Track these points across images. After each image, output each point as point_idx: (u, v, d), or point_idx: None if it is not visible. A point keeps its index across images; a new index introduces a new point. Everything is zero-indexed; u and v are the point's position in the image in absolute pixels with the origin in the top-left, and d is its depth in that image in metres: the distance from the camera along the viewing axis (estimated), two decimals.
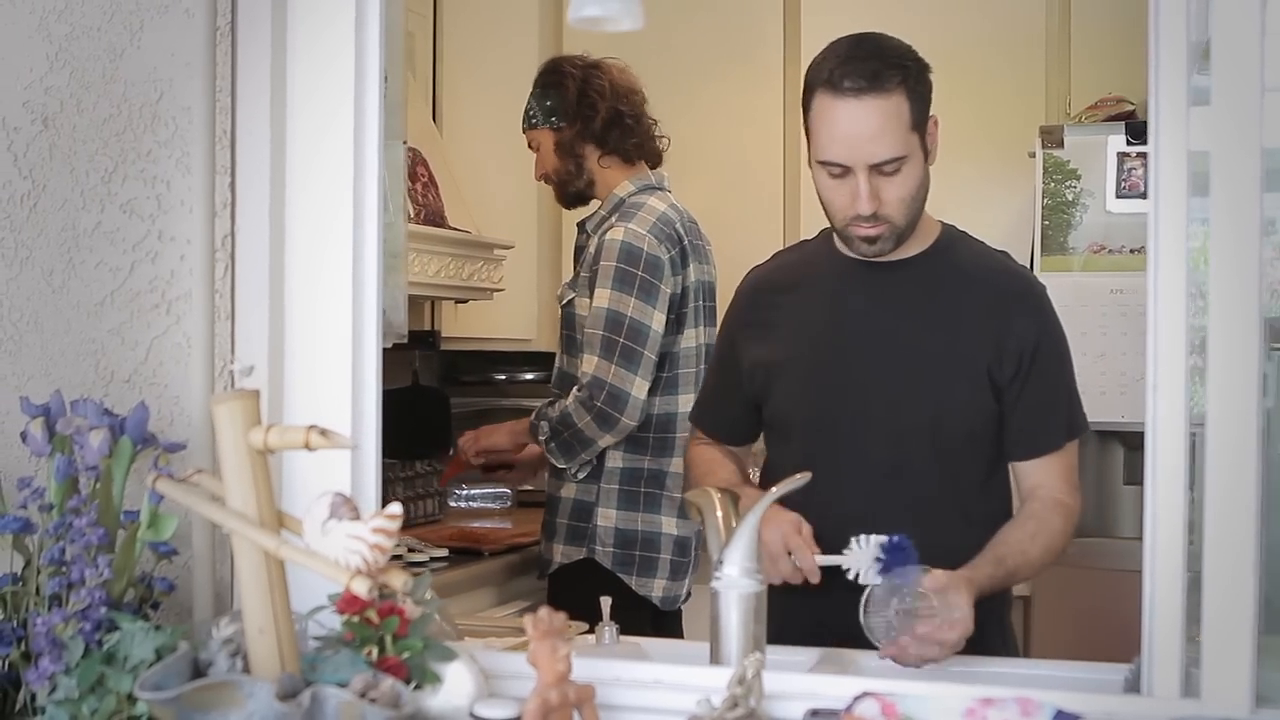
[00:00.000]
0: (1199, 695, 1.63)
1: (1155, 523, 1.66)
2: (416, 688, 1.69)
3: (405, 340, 2.51)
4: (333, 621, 1.71)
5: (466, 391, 4.77)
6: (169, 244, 1.97)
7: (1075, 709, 1.61)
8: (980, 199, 4.34)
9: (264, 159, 1.91)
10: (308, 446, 1.55)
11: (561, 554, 3.56)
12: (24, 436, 1.81)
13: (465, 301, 4.24)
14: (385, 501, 3.77)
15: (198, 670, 1.60)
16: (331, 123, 1.89)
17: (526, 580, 3.86)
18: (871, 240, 2.40)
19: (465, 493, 4.56)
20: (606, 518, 3.52)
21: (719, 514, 2.06)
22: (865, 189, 2.32)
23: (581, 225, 3.67)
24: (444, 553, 3.71)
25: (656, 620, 3.53)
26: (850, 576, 2.19)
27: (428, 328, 4.32)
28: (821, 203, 2.43)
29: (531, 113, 3.68)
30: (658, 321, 3.42)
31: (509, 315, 4.48)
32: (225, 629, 1.61)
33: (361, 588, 1.51)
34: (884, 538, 2.20)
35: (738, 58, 4.66)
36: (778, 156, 4.59)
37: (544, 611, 1.66)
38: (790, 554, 2.30)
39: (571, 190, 3.66)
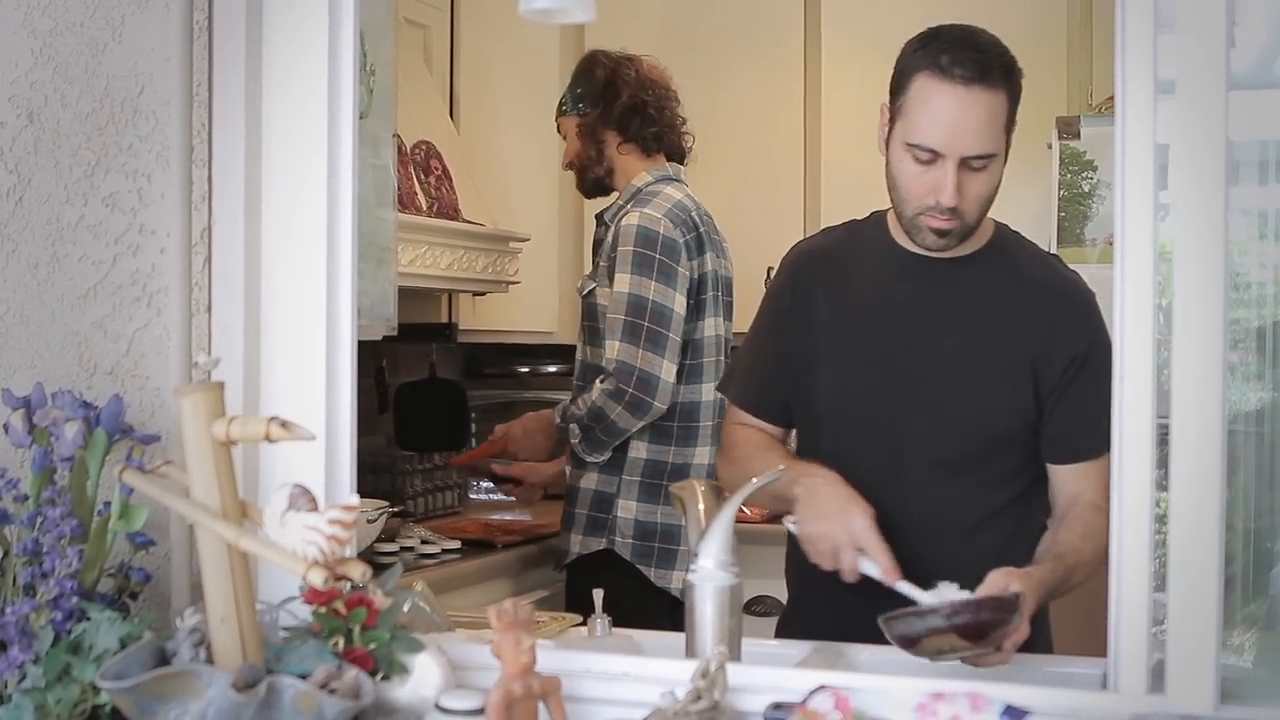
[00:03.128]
0: (1164, 691, 1.62)
1: (1122, 518, 1.65)
2: (384, 678, 1.70)
3: (395, 333, 2.50)
4: (305, 612, 1.72)
5: (489, 384, 4.79)
6: (150, 237, 1.98)
7: (1041, 704, 1.60)
8: (1002, 190, 4.30)
9: (239, 153, 1.93)
10: (268, 438, 1.56)
11: (580, 544, 3.57)
12: (5, 428, 1.83)
13: (483, 294, 4.25)
14: (399, 495, 3.82)
15: (164, 660, 1.62)
16: (306, 117, 1.90)
17: (543, 572, 3.86)
18: (942, 234, 2.34)
19: (486, 485, 4.58)
20: (627, 509, 3.52)
21: (700, 506, 2.06)
22: (952, 180, 2.27)
23: (600, 217, 3.69)
24: (456, 544, 3.72)
25: (675, 612, 3.53)
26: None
27: (445, 320, 4.33)
28: (893, 188, 2.37)
29: (563, 101, 3.74)
30: (679, 304, 3.43)
31: (530, 308, 4.48)
32: (190, 619, 1.62)
33: (317, 578, 1.52)
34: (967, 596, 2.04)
35: (758, 54, 4.65)
36: (798, 152, 4.57)
37: (509, 603, 1.67)
38: (861, 550, 2.18)
39: (591, 177, 3.69)
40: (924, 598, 2.06)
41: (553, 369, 4.78)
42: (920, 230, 2.36)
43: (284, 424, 1.56)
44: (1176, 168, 1.60)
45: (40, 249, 1.93)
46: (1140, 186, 1.63)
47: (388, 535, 3.56)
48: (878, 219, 2.52)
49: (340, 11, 1.89)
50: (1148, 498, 1.64)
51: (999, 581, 2.05)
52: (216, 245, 1.96)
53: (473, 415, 4.60)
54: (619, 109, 3.60)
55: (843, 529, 2.20)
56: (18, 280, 1.92)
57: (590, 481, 3.57)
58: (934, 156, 2.28)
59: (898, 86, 2.34)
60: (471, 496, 4.55)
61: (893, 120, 2.35)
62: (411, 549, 3.61)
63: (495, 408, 4.56)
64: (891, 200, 2.40)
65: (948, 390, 2.38)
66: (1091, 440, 2.33)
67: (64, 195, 1.95)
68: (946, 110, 2.26)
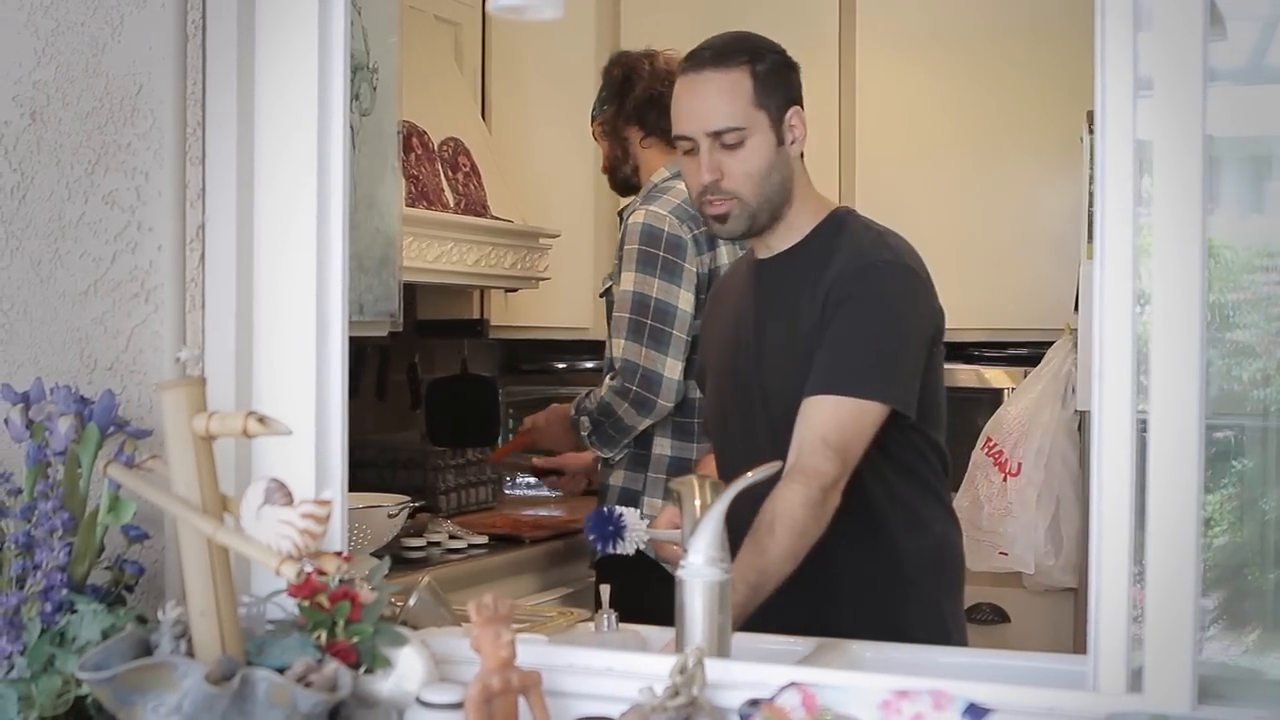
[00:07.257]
0: (1142, 690, 1.61)
1: (1101, 517, 1.64)
2: (367, 671, 1.71)
3: (399, 328, 2.52)
4: (293, 605, 1.74)
5: (526, 380, 4.81)
6: (148, 234, 2.01)
7: (1018, 703, 1.60)
8: (1035, 185, 4.29)
9: (231, 151, 1.95)
10: (246, 433, 1.58)
11: None
12: (5, 422, 1.86)
13: (514, 290, 4.27)
14: (431, 490, 3.83)
15: (148, 651, 1.64)
16: (297, 114, 1.92)
17: (573, 568, 3.88)
18: (721, 218, 2.44)
19: (521, 480, 4.61)
20: (653, 507, 3.51)
21: (696, 502, 2.07)
22: (706, 159, 2.40)
23: (621, 215, 3.70)
24: (483, 540, 3.74)
25: None
26: None
27: (476, 316, 4.35)
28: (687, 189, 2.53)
29: (594, 106, 3.76)
30: (685, 301, 3.42)
31: (565, 304, 4.49)
32: (172, 612, 1.64)
33: (290, 572, 1.54)
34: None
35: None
36: (834, 151, 4.53)
37: (488, 598, 1.68)
38: None
39: (620, 175, 3.70)
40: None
41: (589, 365, 4.79)
42: (708, 220, 2.49)
43: (261, 419, 1.57)
44: (1156, 165, 1.59)
45: (43, 246, 1.96)
46: (1119, 183, 1.61)
47: (415, 530, 3.58)
48: None
49: (331, 10, 1.90)
50: (1128, 496, 1.62)
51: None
52: (210, 242, 1.98)
53: (510, 410, 4.63)
54: (634, 102, 3.61)
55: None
56: (21, 277, 1.95)
57: (618, 479, 3.57)
58: (691, 143, 2.43)
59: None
60: (507, 492, 4.58)
61: None
62: (439, 544, 3.64)
63: (533, 403, 4.58)
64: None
65: (781, 389, 2.43)
66: (820, 375, 2.34)
67: (65, 193, 1.98)
68: (685, 96, 2.46)
